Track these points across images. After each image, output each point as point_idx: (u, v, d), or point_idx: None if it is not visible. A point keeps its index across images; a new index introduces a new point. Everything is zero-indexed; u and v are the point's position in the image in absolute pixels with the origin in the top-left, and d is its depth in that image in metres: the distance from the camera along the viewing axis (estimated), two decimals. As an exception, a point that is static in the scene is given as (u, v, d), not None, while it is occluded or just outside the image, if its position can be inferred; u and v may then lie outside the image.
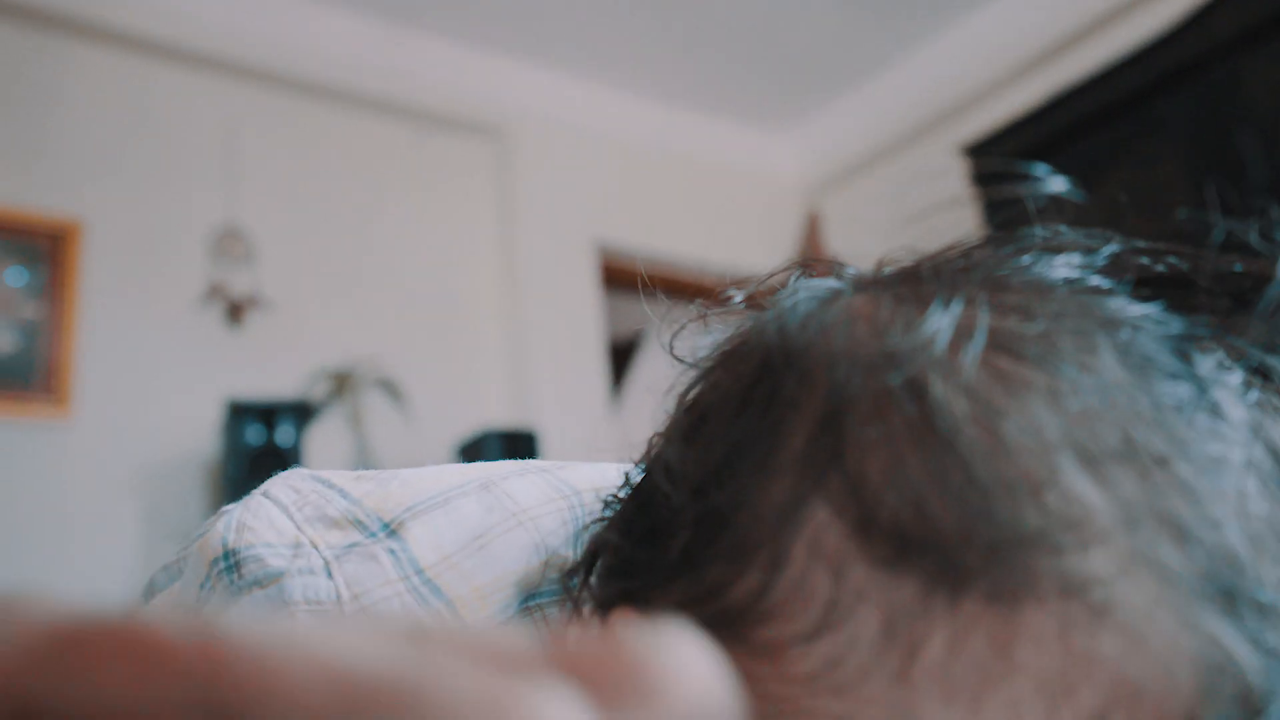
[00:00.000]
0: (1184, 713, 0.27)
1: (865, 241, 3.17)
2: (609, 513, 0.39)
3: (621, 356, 6.29)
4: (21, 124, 2.86)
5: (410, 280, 3.43)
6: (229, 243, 3.08)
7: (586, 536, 0.41)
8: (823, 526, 0.30)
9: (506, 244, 3.63)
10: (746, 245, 4.20)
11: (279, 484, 0.49)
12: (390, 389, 3.17)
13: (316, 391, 3.06)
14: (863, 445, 0.30)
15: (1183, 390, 0.31)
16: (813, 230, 3.55)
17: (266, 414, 2.60)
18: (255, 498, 0.46)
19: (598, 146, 3.91)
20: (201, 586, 0.42)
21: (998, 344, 0.32)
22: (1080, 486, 0.28)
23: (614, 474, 0.48)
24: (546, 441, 3.31)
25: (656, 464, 0.37)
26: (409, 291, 3.41)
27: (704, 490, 0.34)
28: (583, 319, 3.61)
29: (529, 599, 0.43)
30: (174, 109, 3.13)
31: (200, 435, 2.86)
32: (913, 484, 0.29)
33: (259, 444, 2.57)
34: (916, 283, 0.37)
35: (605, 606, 0.37)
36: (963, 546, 0.28)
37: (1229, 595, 0.28)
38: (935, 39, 3.84)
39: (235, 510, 0.45)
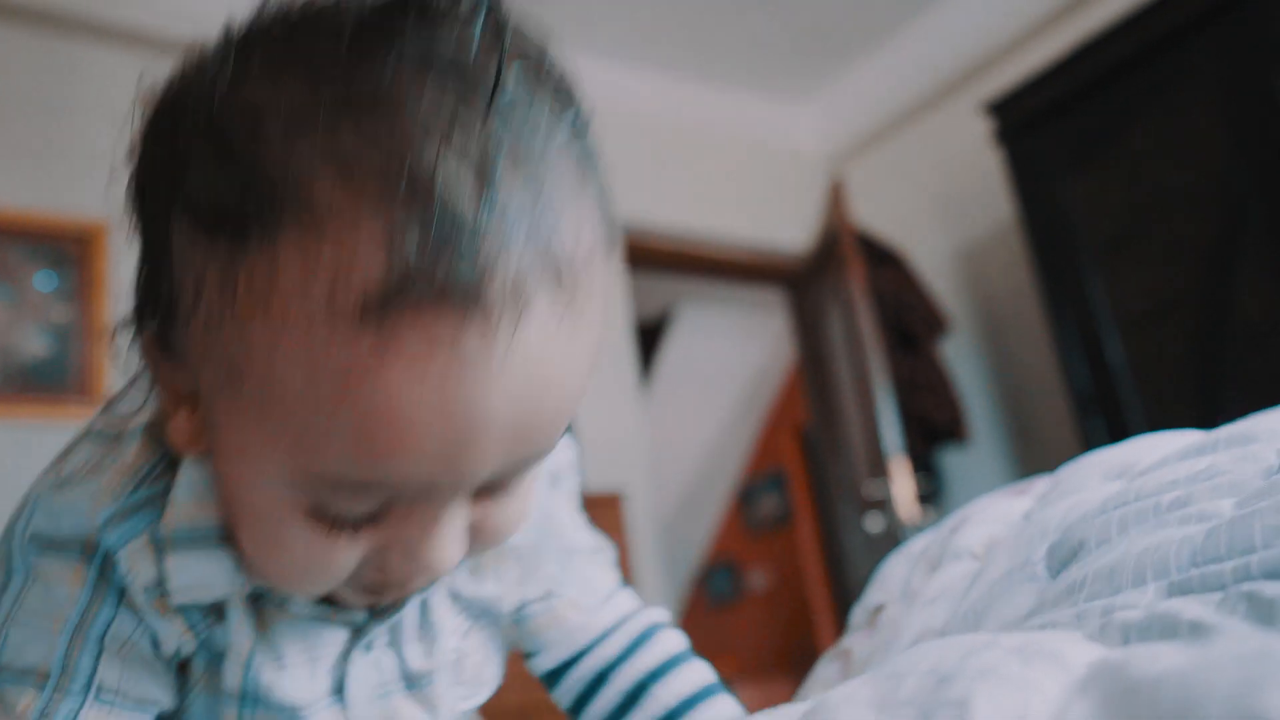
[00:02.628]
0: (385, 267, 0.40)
1: (892, 208, 3.16)
2: None
3: (648, 336, 6.28)
4: (42, 128, 2.90)
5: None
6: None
7: None
8: (185, 229, 0.45)
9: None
10: (771, 218, 4.16)
11: None
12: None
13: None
14: (188, 161, 0.45)
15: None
16: (837, 200, 3.51)
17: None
18: None
19: (617, 123, 3.88)
20: None
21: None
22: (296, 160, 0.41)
23: None
24: (577, 422, 3.30)
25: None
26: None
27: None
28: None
29: None
30: (192, 109, 3.15)
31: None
32: (209, 179, 0.44)
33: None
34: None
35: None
36: (242, 214, 0.42)
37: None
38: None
39: None
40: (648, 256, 3.90)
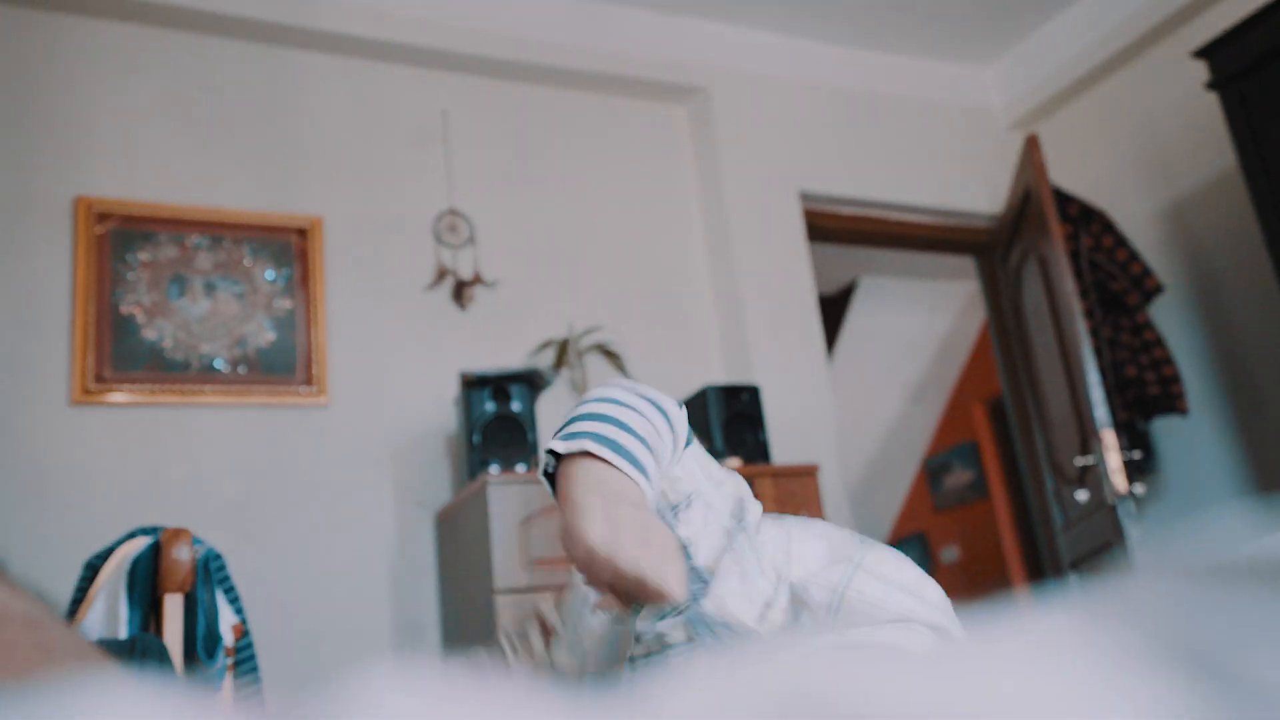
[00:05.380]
0: None
1: (1089, 166, 3.02)
2: None
3: (832, 306, 6.20)
4: (262, 136, 3.12)
5: (622, 247, 3.50)
6: (452, 227, 3.24)
7: None
8: None
9: (712, 203, 3.63)
10: (959, 183, 4.02)
11: None
12: (610, 354, 3.26)
13: (541, 362, 3.18)
14: None
15: None
16: (1034, 155, 3.35)
17: (498, 385, 2.73)
18: None
19: (796, 97, 3.84)
20: None
21: None
22: None
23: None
24: (767, 395, 3.30)
25: None
26: (621, 258, 3.49)
27: None
28: (793, 271, 3.57)
29: None
30: (394, 104, 3.32)
31: (440, 410, 3.04)
32: None
33: (492, 413, 2.71)
34: None
35: None
36: None
37: None
38: (1159, -64, 3.51)
39: None
40: (834, 229, 3.85)
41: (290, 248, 3.01)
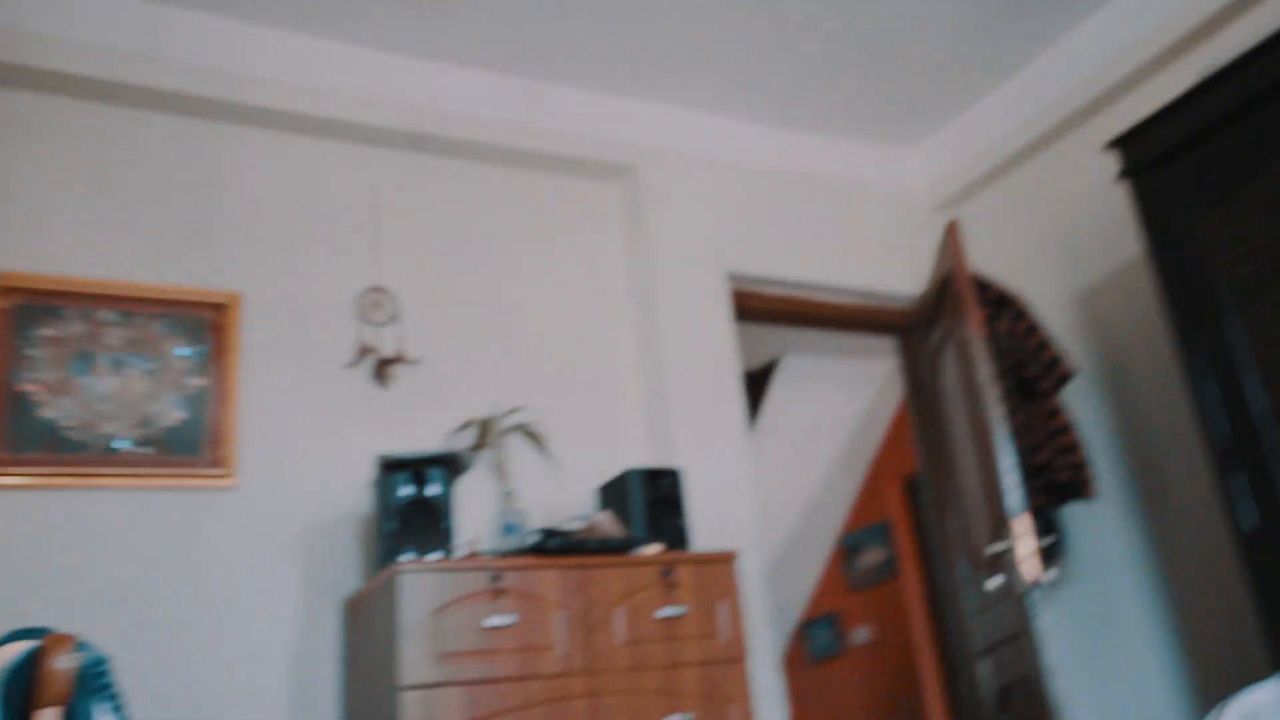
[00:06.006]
0: None
1: (1006, 250, 3.12)
2: None
3: (752, 382, 6.24)
4: (183, 209, 3.03)
5: (548, 326, 3.48)
6: (376, 304, 3.18)
7: None
8: None
9: (640, 283, 3.64)
10: (881, 264, 4.10)
11: None
12: (532, 436, 3.21)
13: (462, 443, 3.12)
14: None
15: None
16: (954, 240, 3.43)
17: (416, 468, 2.66)
18: None
19: (726, 176, 3.90)
20: None
21: None
22: None
23: None
24: (689, 477, 3.28)
25: None
26: (547, 337, 3.46)
27: None
28: (718, 352, 3.59)
29: None
30: (321, 179, 3.27)
31: (354, 493, 2.95)
32: None
33: (409, 497, 2.63)
34: None
35: None
36: None
37: None
38: (1067, 35, 3.69)
39: None
40: (759, 309, 3.88)
41: (206, 323, 2.91)
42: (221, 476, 2.78)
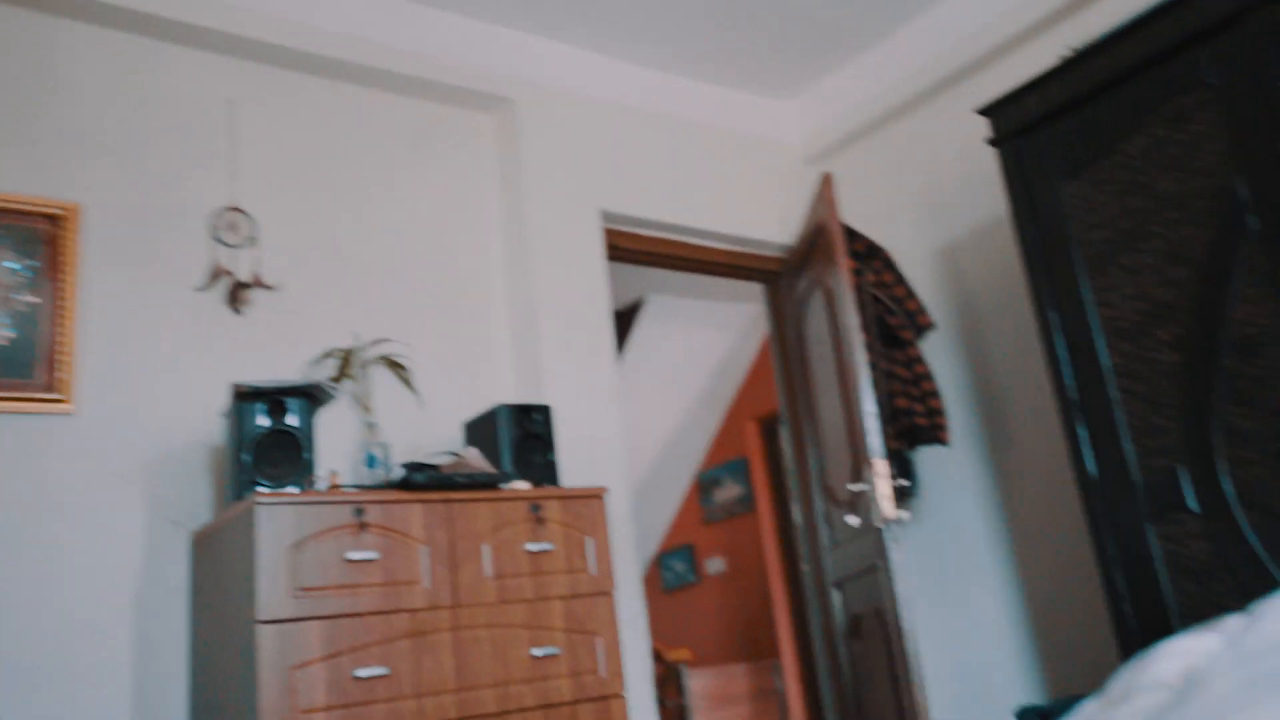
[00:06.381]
0: None
1: (875, 204, 3.17)
2: None
3: (618, 320, 6.23)
4: (14, 108, 2.76)
5: (416, 256, 3.35)
6: (232, 224, 2.99)
7: None
8: None
9: (513, 216, 3.55)
10: (754, 212, 4.12)
11: None
12: (397, 367, 3.11)
13: (321, 374, 2.99)
14: None
15: None
16: (827, 191, 3.48)
17: (274, 398, 2.53)
18: None
19: (604, 116, 3.82)
20: None
21: None
22: None
23: None
24: (558, 414, 3.25)
25: None
26: (415, 268, 3.34)
27: None
28: (590, 290, 3.54)
29: None
30: (174, 88, 3.03)
31: (205, 422, 2.80)
32: None
33: (266, 428, 2.50)
34: None
35: None
36: None
37: None
38: (944, 1, 3.75)
39: None
40: (630, 250, 3.85)
41: (39, 235, 2.67)
42: (57, 400, 2.58)
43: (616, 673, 2.68)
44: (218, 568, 2.51)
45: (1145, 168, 2.59)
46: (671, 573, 7.20)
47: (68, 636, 2.47)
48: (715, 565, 6.96)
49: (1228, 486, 2.36)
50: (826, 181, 3.52)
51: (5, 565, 2.45)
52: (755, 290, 5.09)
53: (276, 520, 2.30)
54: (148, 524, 2.65)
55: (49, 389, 2.58)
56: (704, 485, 7.09)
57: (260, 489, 2.42)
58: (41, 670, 2.42)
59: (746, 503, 6.76)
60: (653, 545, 7.32)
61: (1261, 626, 0.52)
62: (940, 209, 3.83)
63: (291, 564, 2.29)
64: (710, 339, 6.60)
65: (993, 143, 2.90)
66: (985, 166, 3.55)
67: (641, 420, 6.65)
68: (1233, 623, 0.62)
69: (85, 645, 2.49)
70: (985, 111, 2.92)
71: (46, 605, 2.47)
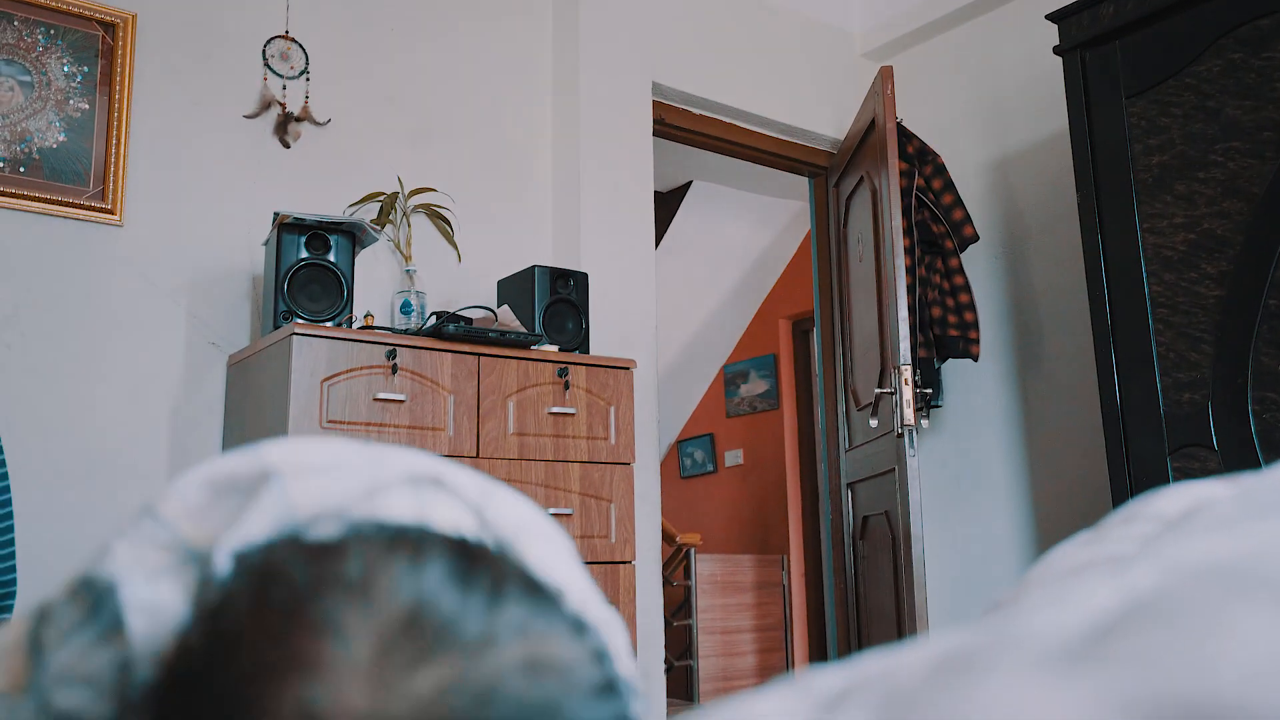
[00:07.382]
0: None
1: (932, 106, 3.08)
2: None
3: (662, 203, 6.19)
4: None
5: (466, 110, 3.33)
6: (285, 54, 2.98)
7: None
8: None
9: (565, 79, 3.50)
10: (808, 102, 4.04)
11: None
12: (439, 217, 3.12)
13: (363, 215, 3.01)
14: None
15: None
16: (886, 86, 3.39)
17: (316, 232, 2.56)
18: None
19: (667, -18, 3.72)
20: None
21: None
22: None
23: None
24: (593, 283, 3.27)
25: None
26: (464, 121, 3.32)
27: None
28: (635, 164, 3.51)
29: None
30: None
31: (246, 250, 2.84)
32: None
33: (306, 261, 2.54)
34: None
35: None
36: None
37: None
38: (1037, -108, 3.57)
39: None
40: (679, 128, 3.80)
41: (95, 42, 2.67)
42: (106, 211, 2.63)
43: (627, 540, 2.76)
44: (252, 392, 2.58)
45: (1214, 92, 2.50)
46: (690, 460, 7.31)
47: (108, 440, 2.57)
48: (734, 457, 7.06)
49: (1253, 426, 2.36)
50: (886, 75, 3.43)
51: (52, 366, 2.53)
52: (800, 187, 5.02)
53: (311, 352, 2.36)
54: (187, 342, 2.72)
55: (100, 198, 2.62)
56: (730, 378, 7.14)
57: (299, 320, 2.47)
58: (80, 470, 2.52)
59: (771, 399, 6.81)
60: (673, 431, 7.41)
61: (1273, 474, 0.53)
62: (997, 120, 3.74)
63: (322, 396, 2.35)
64: (750, 234, 6.55)
65: (1059, 51, 2.81)
66: (1048, 80, 3.44)
67: (674, 307, 6.67)
68: (1247, 478, 0.63)
69: (124, 450, 2.59)
70: (1055, 17, 2.81)
71: (89, 410, 2.56)
